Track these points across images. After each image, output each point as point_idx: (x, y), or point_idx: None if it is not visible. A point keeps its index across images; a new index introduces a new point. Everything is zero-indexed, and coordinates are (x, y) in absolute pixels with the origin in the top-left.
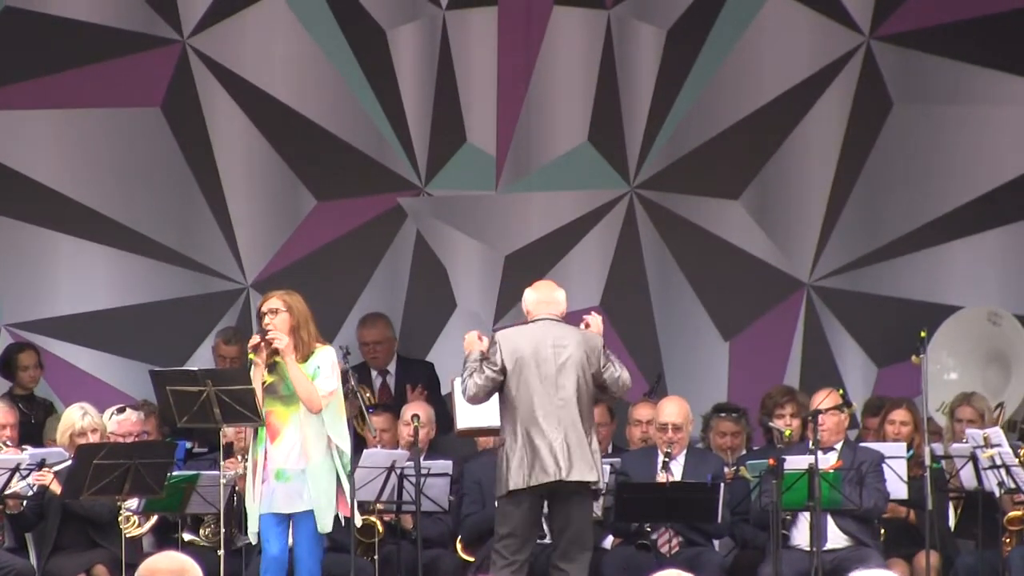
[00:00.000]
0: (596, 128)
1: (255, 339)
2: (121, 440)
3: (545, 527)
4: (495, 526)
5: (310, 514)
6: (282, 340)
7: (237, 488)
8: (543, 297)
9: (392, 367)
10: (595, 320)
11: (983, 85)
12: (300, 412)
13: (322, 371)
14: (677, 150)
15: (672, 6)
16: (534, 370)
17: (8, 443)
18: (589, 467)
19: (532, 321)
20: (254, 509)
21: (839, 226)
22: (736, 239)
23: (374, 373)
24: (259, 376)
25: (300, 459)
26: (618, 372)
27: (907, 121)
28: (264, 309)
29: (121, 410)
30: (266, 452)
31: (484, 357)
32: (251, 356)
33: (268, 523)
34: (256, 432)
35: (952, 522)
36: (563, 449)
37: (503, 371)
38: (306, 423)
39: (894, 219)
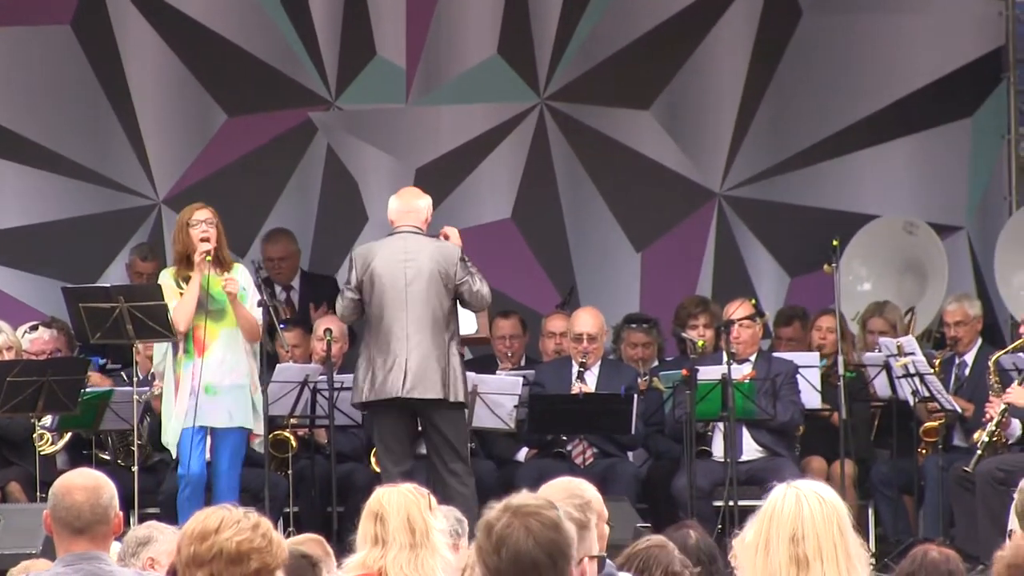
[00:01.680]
0: (505, 40)
1: (208, 248)
2: (34, 358)
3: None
4: (374, 440)
5: (236, 431)
6: (234, 284)
7: (153, 407)
8: (405, 206)
9: (296, 282)
10: (453, 232)
11: None
12: (230, 328)
13: (249, 295)
14: (587, 61)
15: None
16: (386, 284)
17: None
18: (434, 384)
19: (392, 233)
20: (173, 423)
21: (750, 135)
22: (647, 150)
23: (278, 288)
24: (198, 282)
25: (231, 374)
26: (476, 286)
27: (817, 29)
28: (201, 218)
29: (34, 328)
30: (193, 366)
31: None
32: (169, 279)
33: (189, 438)
34: (183, 346)
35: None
36: (404, 367)
37: (359, 287)
38: (238, 340)
39: (805, 128)
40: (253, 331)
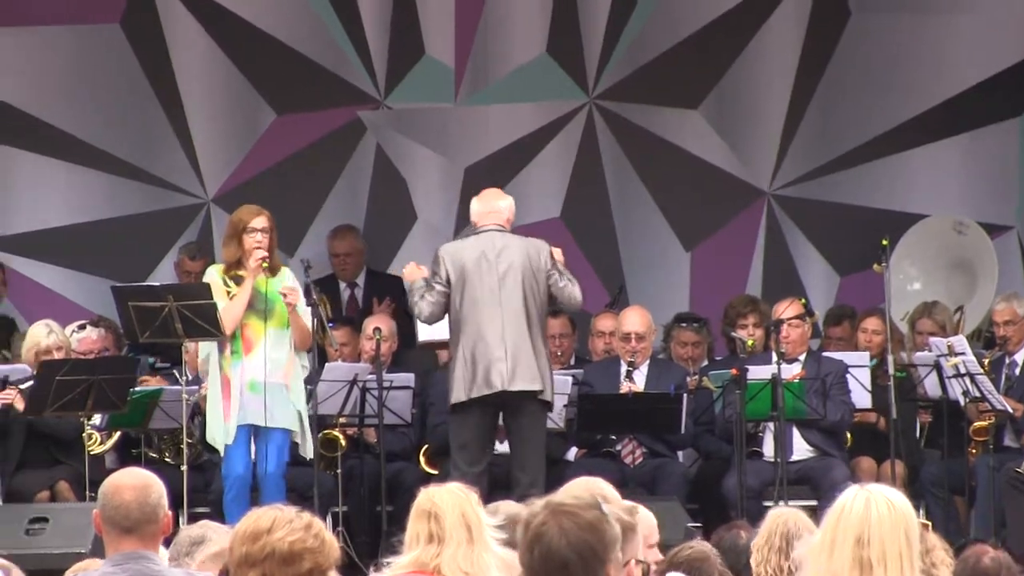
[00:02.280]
0: (554, 39)
1: (263, 255)
2: (83, 357)
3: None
4: (450, 438)
5: (280, 431)
6: (295, 295)
7: (201, 406)
8: (486, 207)
9: (361, 280)
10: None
11: None
12: (278, 328)
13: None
14: (636, 60)
15: None
16: (477, 281)
17: None
18: (533, 376)
19: (477, 232)
20: (226, 423)
21: (799, 134)
22: (696, 149)
23: (342, 285)
24: (249, 288)
25: (276, 373)
26: (563, 283)
27: (866, 29)
28: (257, 227)
29: (82, 327)
30: (242, 365)
31: (430, 276)
32: (216, 276)
33: (236, 438)
34: (231, 346)
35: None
36: (505, 360)
37: (449, 284)
38: (285, 340)
39: (855, 127)
40: (306, 340)
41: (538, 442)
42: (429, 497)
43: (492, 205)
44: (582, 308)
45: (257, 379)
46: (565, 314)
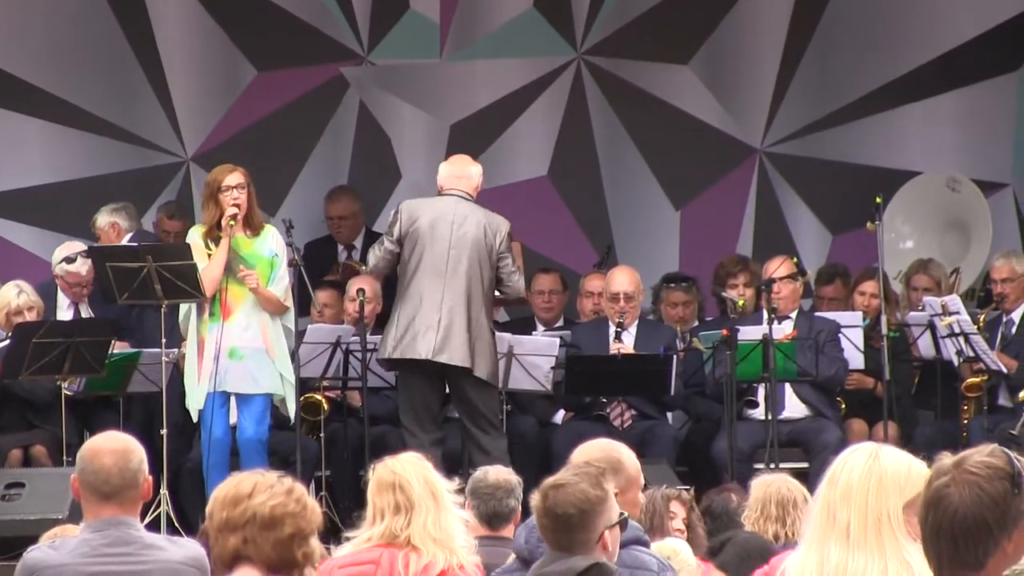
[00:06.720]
0: None
1: (234, 212)
2: (69, 290)
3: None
4: (399, 404)
5: (261, 397)
6: (253, 279)
7: (180, 367)
8: (455, 171)
9: (359, 242)
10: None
11: None
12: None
13: (280, 261)
14: (625, 15)
15: None
16: (428, 244)
17: None
18: (462, 353)
19: (442, 195)
20: (198, 387)
21: (791, 90)
22: (686, 105)
23: (340, 247)
24: (225, 248)
25: (256, 339)
26: (512, 269)
27: None
28: (232, 183)
29: (71, 260)
30: (218, 330)
31: (386, 229)
32: (197, 237)
33: (211, 404)
34: (209, 308)
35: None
36: (436, 330)
37: (399, 241)
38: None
39: (848, 83)
40: (277, 309)
41: (489, 412)
42: (390, 469)
43: (463, 170)
44: (571, 268)
45: (237, 346)
46: (557, 272)
